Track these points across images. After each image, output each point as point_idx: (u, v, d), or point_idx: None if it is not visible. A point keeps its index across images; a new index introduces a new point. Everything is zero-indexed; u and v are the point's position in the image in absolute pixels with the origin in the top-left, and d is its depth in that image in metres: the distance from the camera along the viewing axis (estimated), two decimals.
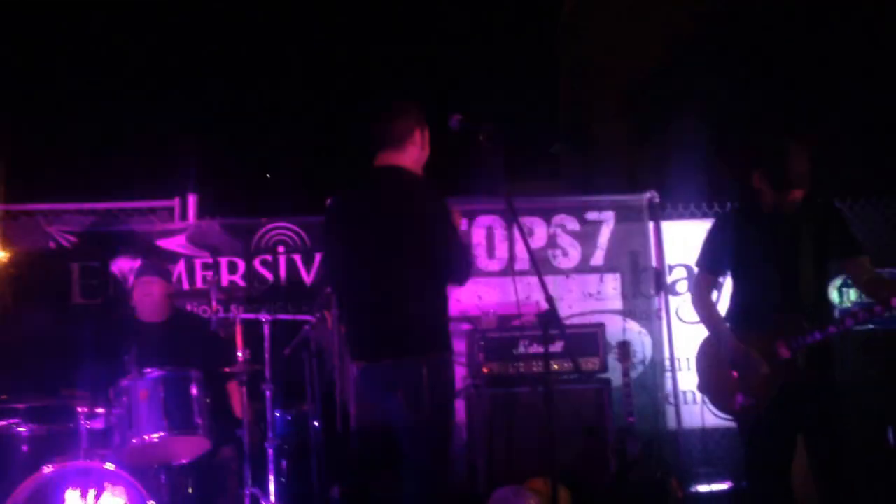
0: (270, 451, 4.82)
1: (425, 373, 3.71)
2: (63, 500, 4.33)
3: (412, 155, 3.99)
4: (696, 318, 4.45)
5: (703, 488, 5.79)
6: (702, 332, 4.34)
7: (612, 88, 10.07)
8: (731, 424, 4.43)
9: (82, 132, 5.69)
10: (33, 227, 5.90)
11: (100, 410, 4.51)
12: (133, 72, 6.08)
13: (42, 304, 4.90)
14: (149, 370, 4.52)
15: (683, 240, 6.49)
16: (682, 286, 6.55)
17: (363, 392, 4.10)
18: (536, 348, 5.71)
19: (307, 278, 6.29)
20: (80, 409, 4.43)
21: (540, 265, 5.70)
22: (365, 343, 3.89)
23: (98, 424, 4.51)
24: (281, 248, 6.27)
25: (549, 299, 3.69)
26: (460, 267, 3.93)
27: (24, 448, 4.43)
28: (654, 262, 6.53)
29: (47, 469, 4.31)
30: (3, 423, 4.43)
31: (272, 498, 4.76)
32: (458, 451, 5.70)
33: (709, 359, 4.30)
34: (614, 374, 5.81)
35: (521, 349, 5.75)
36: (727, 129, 7.40)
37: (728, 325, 4.22)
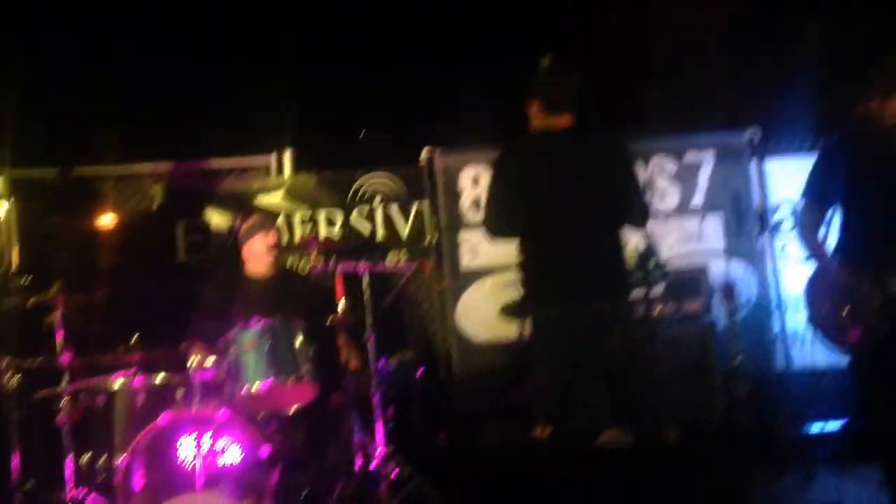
0: (376, 399, 4.90)
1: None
2: (178, 448, 4.51)
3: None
4: (802, 256, 4.32)
5: (814, 429, 5.68)
6: (809, 271, 4.23)
7: (710, 21, 9.78)
8: (843, 363, 4.29)
9: (180, 93, 5.80)
10: (137, 188, 6.08)
11: (210, 361, 4.63)
12: (222, 33, 6.14)
13: (150, 262, 5.06)
14: (254, 321, 4.63)
15: (788, 177, 6.31)
16: (787, 225, 6.38)
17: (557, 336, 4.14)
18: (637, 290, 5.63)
19: (404, 229, 6.34)
20: (191, 361, 4.56)
21: None
22: (569, 286, 4.04)
23: (209, 375, 4.63)
24: (378, 200, 6.33)
25: (648, 237, 3.64)
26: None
27: (140, 399, 4.58)
28: (756, 202, 6.38)
29: (163, 419, 4.48)
30: (120, 375, 4.59)
31: (380, 444, 4.84)
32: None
33: (819, 293, 4.18)
34: (718, 315, 5.72)
35: None
36: (837, 55, 7.11)
37: (838, 257, 4.09)
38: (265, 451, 4.54)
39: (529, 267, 4.31)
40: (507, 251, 6.09)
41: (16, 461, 4.55)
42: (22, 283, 5.07)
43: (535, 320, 4.29)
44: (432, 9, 6.34)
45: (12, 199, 5.16)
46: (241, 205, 6.12)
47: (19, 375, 4.63)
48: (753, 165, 6.42)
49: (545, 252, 4.20)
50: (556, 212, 4.14)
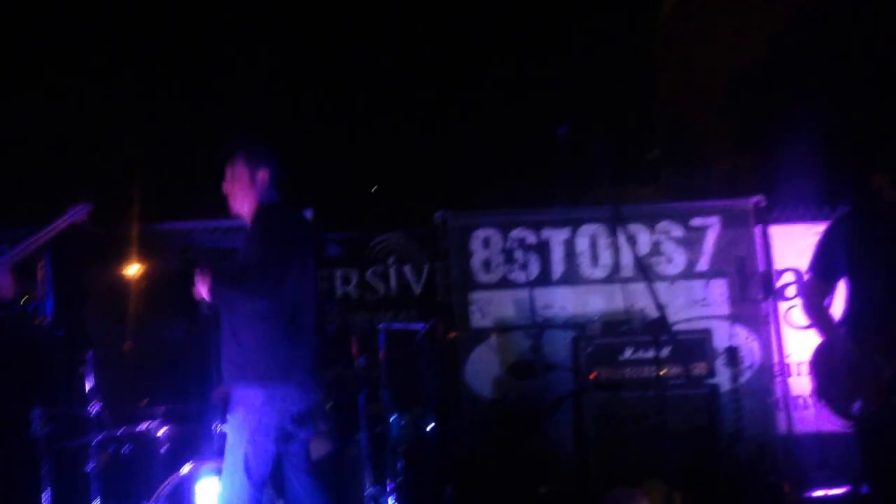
0: (388, 453, 5.01)
1: None
2: (199, 496, 4.64)
3: None
4: (805, 322, 4.42)
5: (818, 493, 5.74)
6: (812, 337, 4.33)
7: (713, 93, 10.01)
8: (847, 430, 4.36)
9: (205, 157, 6.05)
10: (166, 243, 6.26)
11: None
12: (243, 98, 6.39)
13: (175, 314, 5.23)
14: None
15: (791, 244, 6.46)
16: (791, 291, 6.51)
17: None
18: (643, 354, 5.78)
19: (417, 288, 6.52)
20: (212, 412, 4.71)
21: (642, 273, 5.85)
22: None
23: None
24: (391, 259, 6.52)
25: (660, 306, 3.78)
26: None
27: (164, 448, 4.73)
28: (761, 267, 6.51)
29: (186, 468, 4.62)
30: (145, 426, 4.75)
31: (391, 497, 4.94)
32: (568, 454, 5.84)
33: (824, 365, 4.24)
34: (722, 379, 5.83)
35: (628, 354, 5.83)
36: (838, 130, 7.28)
37: (843, 330, 4.18)
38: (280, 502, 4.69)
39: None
40: (514, 311, 6.32)
41: None
42: (56, 334, 5.24)
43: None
44: (451, 80, 6.59)
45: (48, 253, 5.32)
46: None
47: (50, 423, 4.78)
48: (759, 231, 6.55)
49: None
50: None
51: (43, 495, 4.70)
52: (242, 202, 4.14)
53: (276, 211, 4.12)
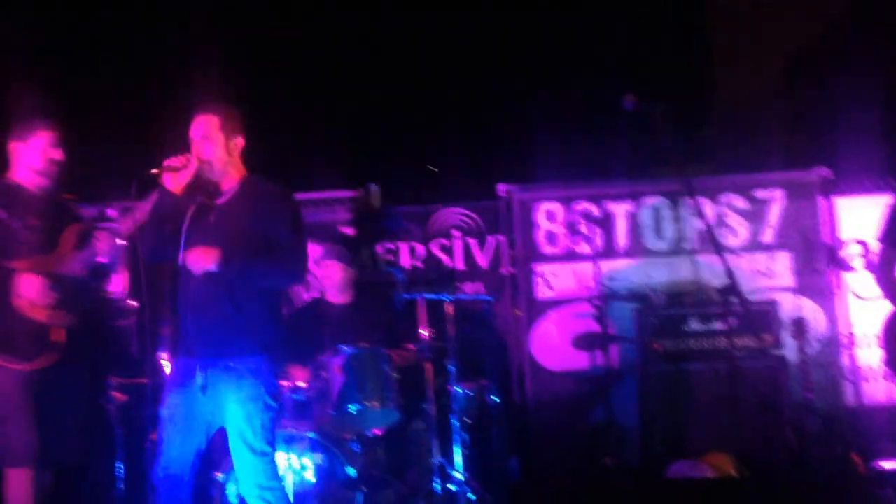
0: (455, 424, 5.07)
1: None
2: None
3: None
4: (873, 293, 4.41)
5: (886, 464, 5.70)
6: (881, 308, 4.31)
7: (771, 69, 9.85)
8: None
9: (283, 131, 6.16)
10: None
11: (301, 384, 4.89)
12: (314, 71, 6.49)
13: None
14: (343, 347, 4.87)
15: (856, 215, 6.40)
16: (857, 262, 6.45)
17: None
18: (708, 325, 5.78)
19: (481, 260, 6.58)
20: (283, 384, 4.81)
21: (708, 245, 5.84)
22: None
23: (300, 397, 4.90)
24: (456, 232, 6.57)
25: (730, 272, 3.78)
26: None
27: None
28: (826, 239, 6.45)
29: None
30: None
31: (458, 468, 5.01)
32: (632, 425, 5.88)
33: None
34: (789, 350, 5.82)
35: (693, 326, 5.83)
36: None
37: None
38: (350, 471, 4.79)
39: None
40: (578, 283, 6.35)
41: (120, 472, 4.87)
42: (131, 306, 5.40)
43: None
44: (513, 53, 6.60)
45: None
46: (328, 235, 6.42)
47: (123, 392, 4.95)
48: (823, 203, 6.49)
49: None
50: None
51: (117, 461, 4.89)
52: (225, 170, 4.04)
53: (280, 186, 4.11)
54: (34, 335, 4.17)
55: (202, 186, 4.03)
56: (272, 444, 3.94)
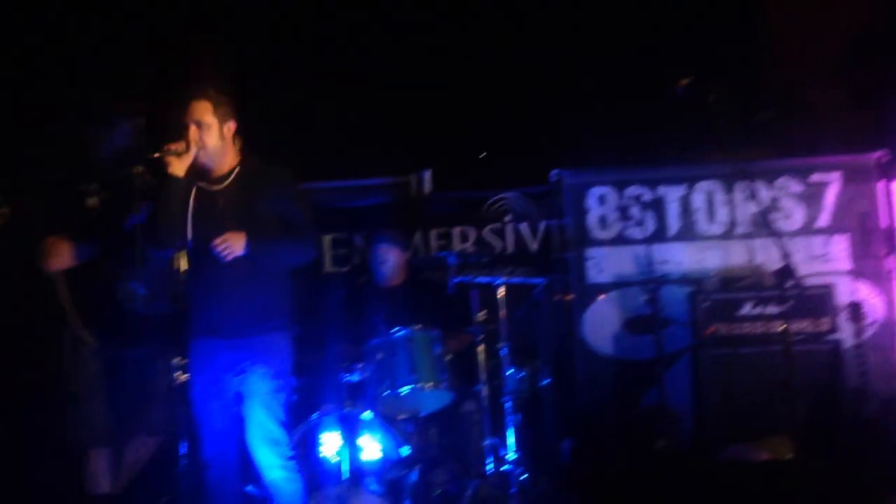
0: (507, 406, 5.11)
1: None
2: (326, 444, 4.87)
3: None
4: None
5: None
6: None
7: (829, 50, 9.67)
8: None
9: (333, 119, 6.25)
10: None
11: (356, 366, 4.98)
12: (353, 61, 6.55)
13: (299, 272, 5.45)
14: (396, 329, 4.95)
15: None
16: None
17: None
18: (761, 309, 5.75)
19: (533, 245, 6.60)
20: (339, 365, 4.91)
21: (762, 228, 5.80)
22: None
23: (354, 378, 4.99)
24: (508, 217, 6.61)
25: (785, 254, 3.77)
26: None
27: (293, 398, 4.94)
28: (884, 223, 6.37)
29: (314, 416, 4.84)
30: None
31: (510, 449, 5.04)
32: (685, 409, 5.87)
33: None
34: (845, 334, 5.76)
35: (746, 309, 5.80)
36: None
37: None
38: (404, 451, 4.88)
39: None
40: (630, 267, 6.35)
41: (183, 449, 4.99)
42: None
43: None
44: (564, 37, 6.59)
45: None
46: (382, 219, 6.50)
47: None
48: (881, 186, 6.41)
49: None
50: None
51: (181, 439, 5.00)
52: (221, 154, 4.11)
53: (279, 165, 4.22)
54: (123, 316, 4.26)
55: (198, 172, 4.10)
56: (288, 419, 4.10)
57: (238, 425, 4.09)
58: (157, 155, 4.00)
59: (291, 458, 4.11)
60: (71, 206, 4.36)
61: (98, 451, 4.33)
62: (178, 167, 4.00)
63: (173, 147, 3.99)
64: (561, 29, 6.84)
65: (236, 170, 4.12)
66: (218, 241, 3.92)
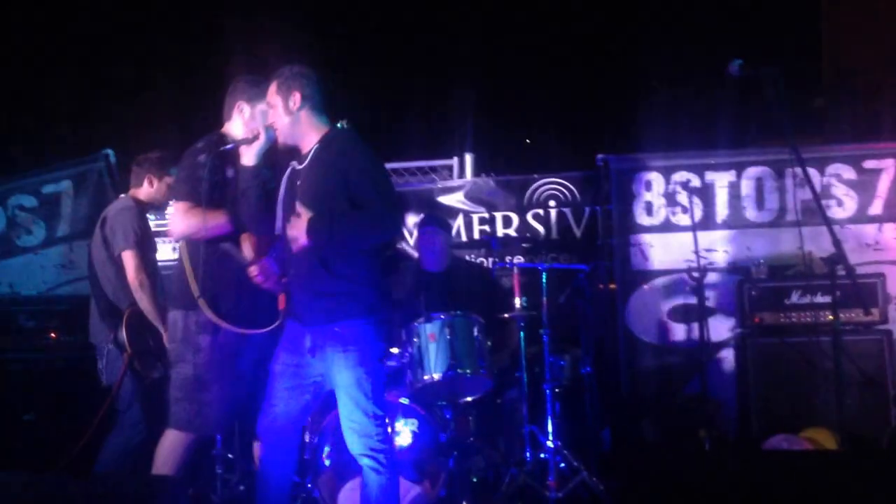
0: (547, 393, 5.08)
1: None
2: None
3: None
4: None
5: None
6: None
7: (884, 39, 9.44)
8: None
9: (378, 103, 6.27)
10: None
11: (394, 350, 4.95)
12: (414, 48, 6.54)
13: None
14: (436, 314, 4.91)
15: None
16: None
17: None
18: (810, 298, 5.64)
19: (577, 231, 6.54)
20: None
21: (812, 216, 5.67)
22: None
23: (393, 363, 4.98)
24: (552, 203, 6.56)
25: (836, 241, 3.67)
26: None
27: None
28: None
29: None
30: None
31: (550, 437, 5.02)
32: (731, 398, 5.79)
33: None
34: (895, 325, 5.63)
35: (794, 298, 5.70)
36: None
37: None
38: (442, 437, 4.84)
39: None
40: (676, 253, 6.26)
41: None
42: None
43: None
44: (614, 22, 6.52)
45: None
46: (424, 203, 6.50)
47: None
48: None
49: None
50: None
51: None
52: (296, 130, 3.98)
53: (354, 139, 4.00)
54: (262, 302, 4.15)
55: (288, 153, 4.04)
56: (384, 407, 3.97)
57: (303, 413, 4.05)
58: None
59: (379, 450, 3.92)
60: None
61: (178, 433, 4.24)
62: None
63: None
64: (611, 14, 6.76)
65: (315, 146, 3.99)
66: (288, 231, 3.89)
